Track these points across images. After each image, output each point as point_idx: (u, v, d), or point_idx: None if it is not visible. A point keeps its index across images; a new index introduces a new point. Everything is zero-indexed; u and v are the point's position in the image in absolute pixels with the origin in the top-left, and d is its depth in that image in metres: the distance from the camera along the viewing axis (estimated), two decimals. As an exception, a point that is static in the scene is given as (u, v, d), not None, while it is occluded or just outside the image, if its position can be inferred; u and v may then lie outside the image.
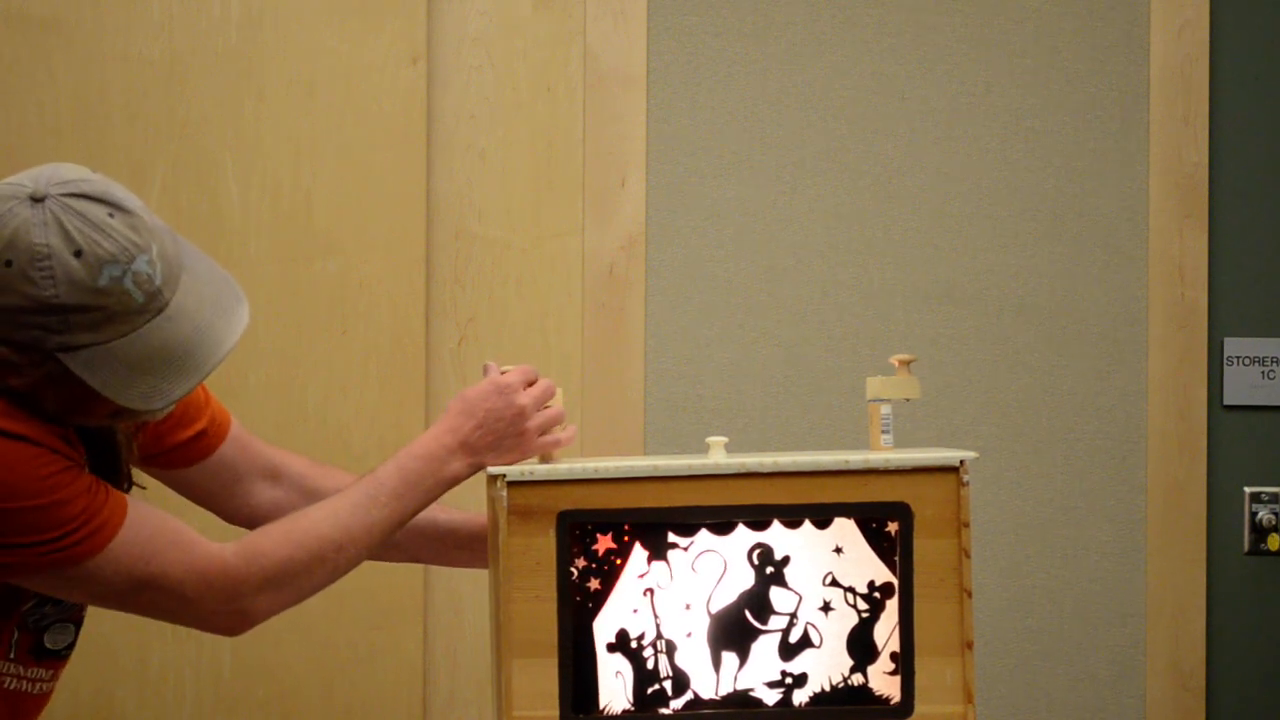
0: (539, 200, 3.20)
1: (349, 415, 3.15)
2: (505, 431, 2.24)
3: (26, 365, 1.97)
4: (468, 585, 3.15)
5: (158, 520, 2.08)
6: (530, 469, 2.21)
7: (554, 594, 2.19)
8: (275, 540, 2.14)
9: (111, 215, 1.96)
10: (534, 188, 3.20)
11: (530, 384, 2.27)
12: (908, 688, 2.23)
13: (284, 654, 3.15)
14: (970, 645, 2.24)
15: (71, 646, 2.19)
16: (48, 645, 2.16)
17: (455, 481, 2.23)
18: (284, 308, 3.14)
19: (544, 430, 2.26)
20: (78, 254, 1.94)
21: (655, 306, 3.21)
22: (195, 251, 2.06)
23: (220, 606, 2.10)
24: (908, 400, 2.33)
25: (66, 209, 1.95)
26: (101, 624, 3.09)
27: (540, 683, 2.19)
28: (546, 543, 2.19)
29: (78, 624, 2.19)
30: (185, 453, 2.30)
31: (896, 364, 2.32)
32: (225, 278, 2.06)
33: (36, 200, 1.95)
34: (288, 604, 2.16)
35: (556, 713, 2.19)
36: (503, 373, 2.29)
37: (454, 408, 2.25)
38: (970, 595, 2.24)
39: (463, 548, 2.43)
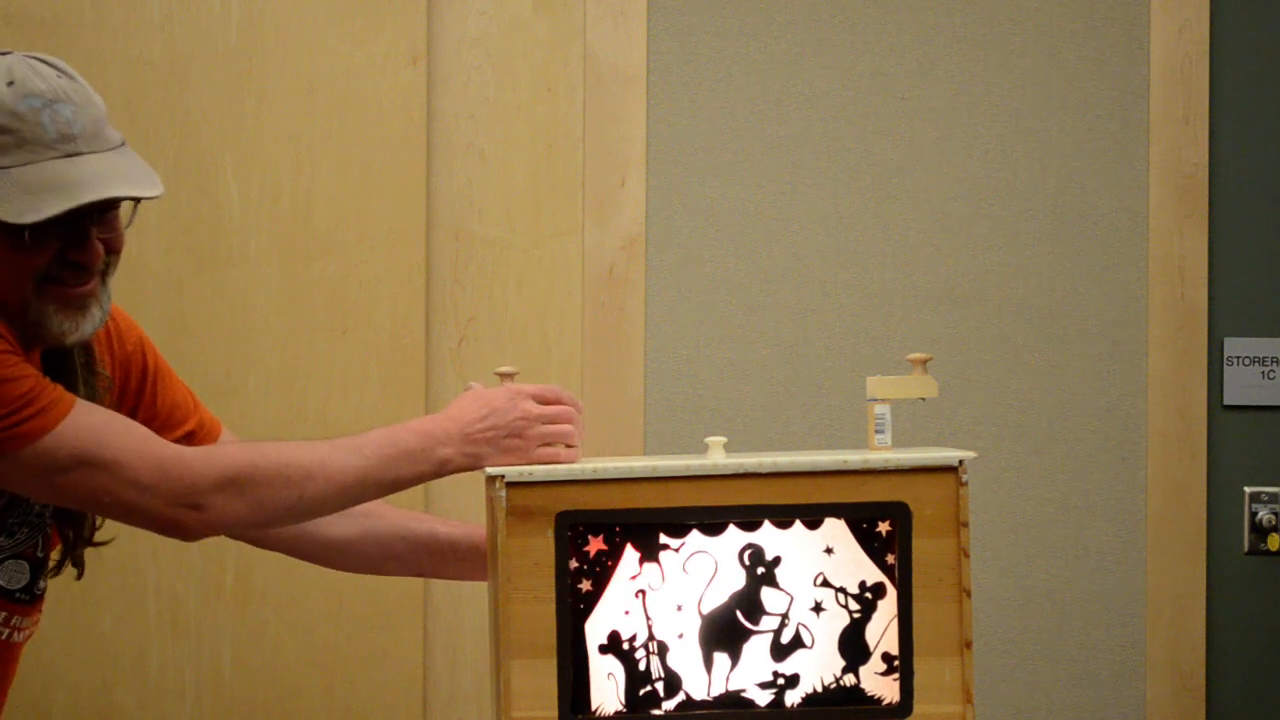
0: (539, 200, 3.21)
1: (349, 415, 3.15)
2: (507, 431, 2.24)
3: None
4: (468, 585, 3.14)
5: (109, 412, 2.11)
6: (529, 470, 2.21)
7: (552, 595, 2.19)
8: (241, 446, 2.17)
9: (59, 76, 2.08)
10: (534, 188, 3.21)
11: (547, 402, 2.27)
12: (906, 687, 2.23)
13: (284, 654, 3.15)
14: (969, 645, 2.24)
15: (30, 594, 2.19)
16: (1, 583, 2.16)
17: (445, 466, 2.22)
18: (284, 308, 3.15)
19: (546, 442, 2.26)
20: (10, 84, 2.05)
21: (655, 306, 3.21)
22: (140, 161, 2.12)
23: (175, 499, 2.08)
24: (923, 400, 2.33)
25: (24, 63, 2.08)
26: (102, 623, 3.10)
27: (539, 683, 2.19)
28: (545, 543, 2.19)
29: (34, 565, 2.19)
30: None
31: (911, 363, 2.32)
32: (153, 174, 2.12)
33: (2, 54, 2.09)
34: (244, 515, 2.13)
35: (555, 713, 2.19)
36: (503, 374, 2.29)
37: (464, 398, 2.26)
38: (969, 595, 2.24)
39: (463, 560, 2.43)
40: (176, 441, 2.28)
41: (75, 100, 2.07)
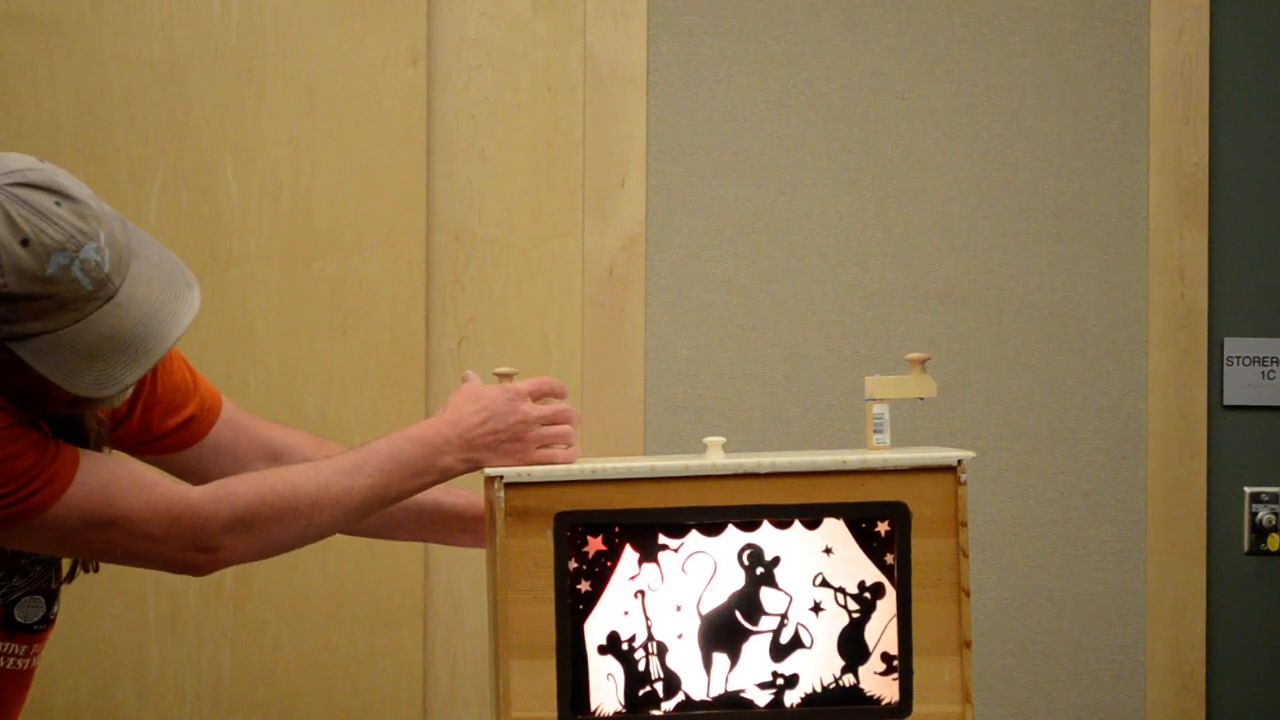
0: (539, 200, 3.21)
1: (349, 415, 3.15)
2: (506, 434, 2.24)
3: None
4: (468, 585, 3.15)
5: (115, 465, 2.09)
6: (528, 470, 2.21)
7: (552, 595, 2.19)
8: (248, 482, 2.14)
9: (58, 204, 1.95)
10: (534, 188, 3.21)
11: (541, 395, 2.27)
12: (906, 687, 2.23)
13: (284, 654, 3.15)
14: (968, 645, 2.24)
15: (45, 621, 2.19)
16: (18, 619, 2.16)
17: (447, 474, 2.22)
18: (284, 308, 3.15)
19: (545, 444, 2.26)
20: (24, 243, 1.93)
21: (655, 306, 3.21)
22: (145, 237, 2.05)
23: (187, 545, 2.09)
24: (922, 400, 2.33)
25: (13, 198, 1.94)
26: (102, 624, 3.10)
27: (539, 683, 2.19)
28: (544, 544, 2.19)
29: (48, 597, 2.19)
30: (176, 438, 2.30)
31: (910, 362, 2.32)
32: (176, 263, 2.06)
33: None
34: (256, 551, 2.14)
35: (555, 713, 2.19)
36: (501, 375, 2.29)
37: (462, 400, 2.25)
38: (968, 595, 2.24)
39: (468, 530, 2.43)
40: (178, 426, 2.29)
41: (88, 229, 1.96)
